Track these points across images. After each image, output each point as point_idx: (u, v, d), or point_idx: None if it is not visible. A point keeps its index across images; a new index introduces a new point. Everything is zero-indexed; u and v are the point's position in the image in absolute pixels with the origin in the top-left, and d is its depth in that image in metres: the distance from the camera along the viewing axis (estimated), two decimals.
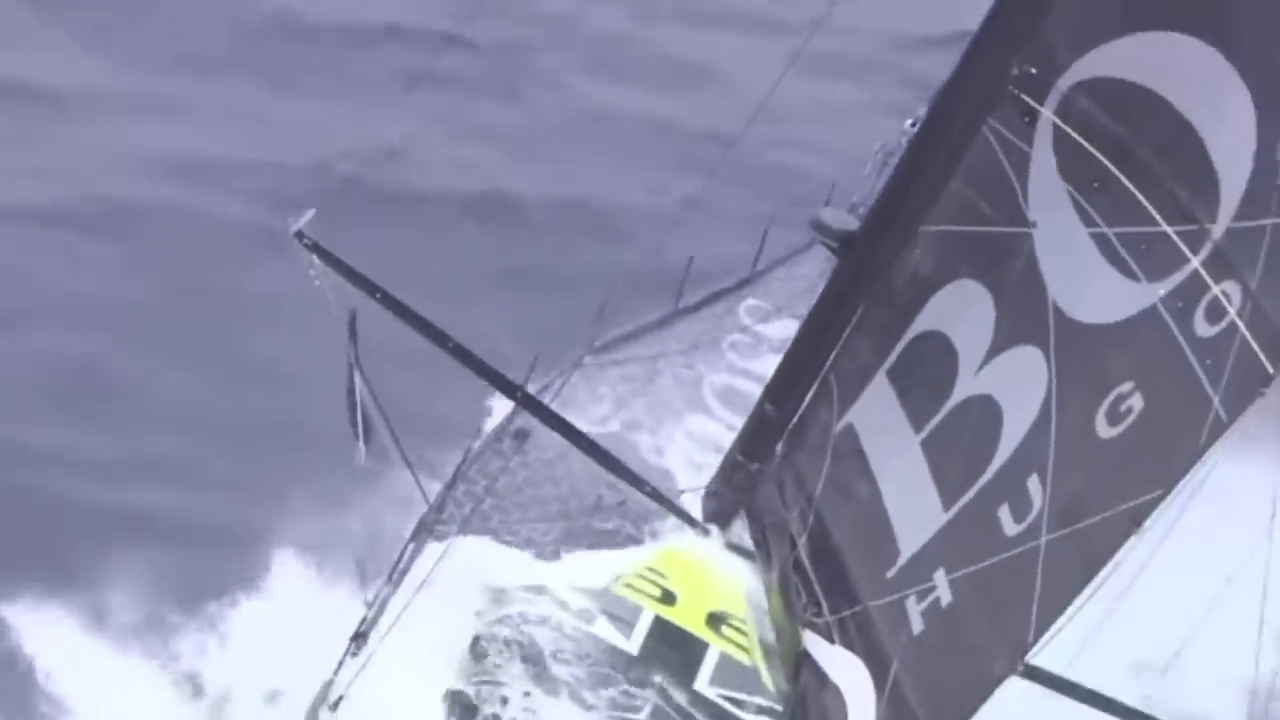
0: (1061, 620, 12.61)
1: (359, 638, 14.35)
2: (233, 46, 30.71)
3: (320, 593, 16.55)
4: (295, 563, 17.24)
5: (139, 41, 31.06)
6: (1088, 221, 12.58)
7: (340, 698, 13.78)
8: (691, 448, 16.60)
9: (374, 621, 14.51)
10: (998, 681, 12.83)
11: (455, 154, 30.00)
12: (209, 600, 17.27)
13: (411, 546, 15.37)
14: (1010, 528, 12.71)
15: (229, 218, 25.84)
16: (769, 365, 15.70)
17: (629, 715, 13.75)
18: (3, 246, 24.94)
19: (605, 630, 14.34)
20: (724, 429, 16.44)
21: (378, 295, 15.14)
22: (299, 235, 14.56)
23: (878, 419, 14.44)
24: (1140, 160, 12.19)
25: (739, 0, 39.39)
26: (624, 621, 14.53)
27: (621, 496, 15.73)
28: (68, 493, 20.40)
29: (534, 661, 13.86)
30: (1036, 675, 13.30)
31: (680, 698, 13.95)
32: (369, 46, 32.22)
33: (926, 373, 14.03)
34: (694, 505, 15.99)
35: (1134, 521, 11.92)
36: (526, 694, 13.67)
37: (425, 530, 15.46)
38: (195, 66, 30.25)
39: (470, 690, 13.74)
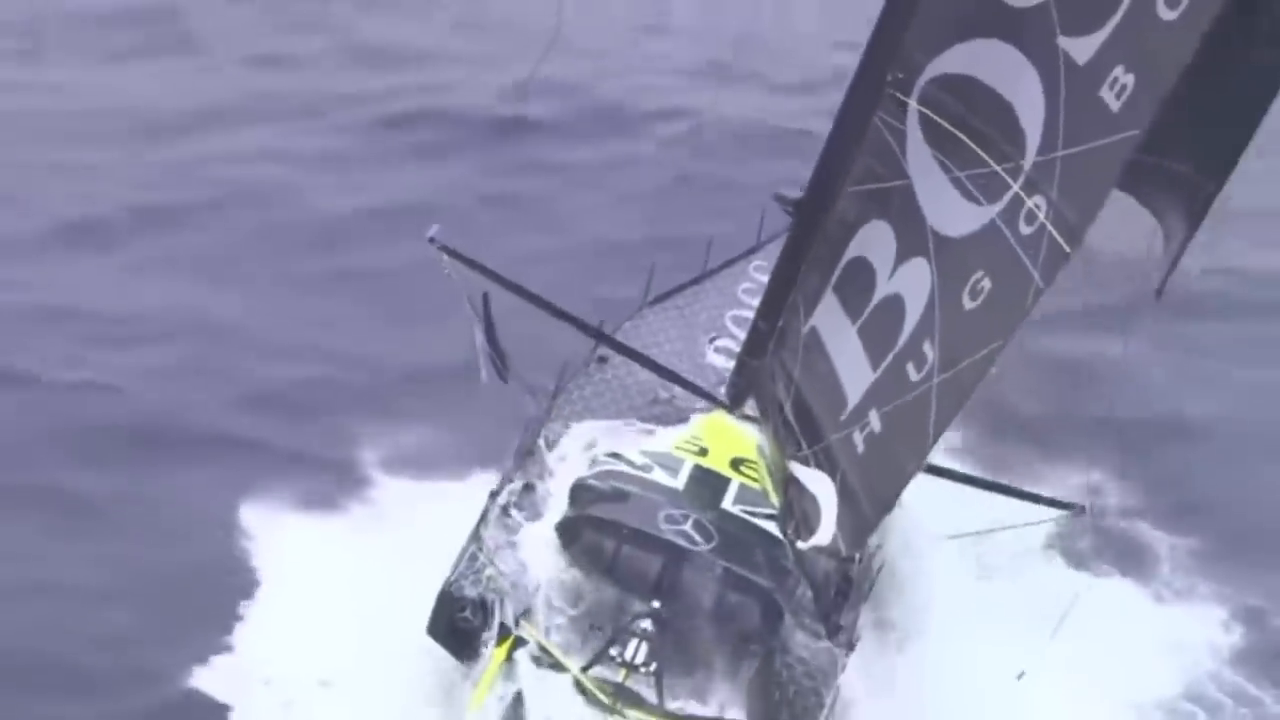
0: (946, 431, 15.04)
1: (493, 495, 16.80)
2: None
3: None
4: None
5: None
6: (946, 170, 14.93)
7: (481, 536, 16.36)
8: (717, 357, 19.03)
9: (504, 484, 16.93)
10: (910, 476, 15.24)
11: None
12: None
13: (529, 436, 17.87)
14: (914, 376, 14.96)
15: None
16: None
17: (679, 526, 15.84)
18: None
19: (659, 475, 16.57)
20: (739, 344, 18.41)
21: (493, 277, 17.46)
22: (431, 240, 17.02)
23: (829, 321, 16.21)
24: (975, 126, 14.56)
25: None
26: (671, 469, 16.75)
27: (671, 392, 18.27)
28: None
29: (614, 500, 16.09)
30: (932, 470, 16.41)
31: (712, 514, 16.27)
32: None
33: (857, 285, 16.02)
34: (720, 392, 18.29)
35: (988, 361, 14.33)
36: (610, 521, 16.01)
37: (539, 425, 17.89)
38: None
39: (574, 521, 16.13)
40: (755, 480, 17.01)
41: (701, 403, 18.24)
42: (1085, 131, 13.58)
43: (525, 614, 15.48)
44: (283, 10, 36.51)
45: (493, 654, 15.07)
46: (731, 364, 18.12)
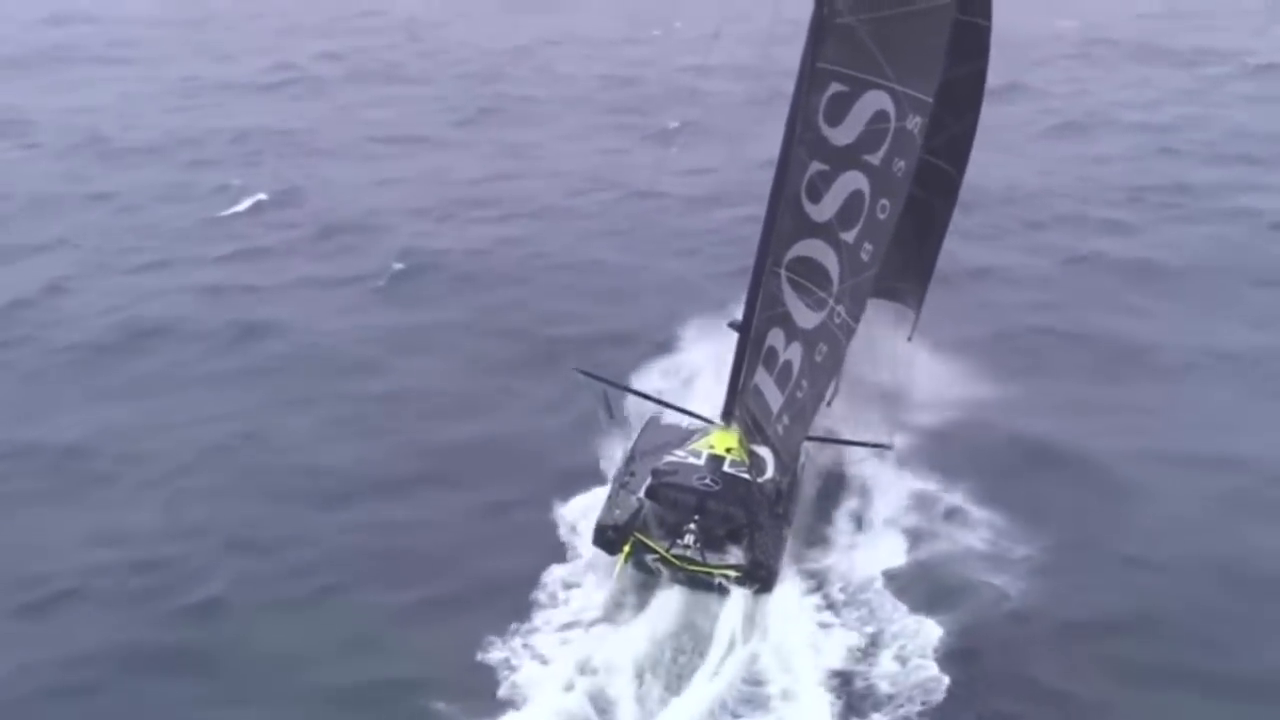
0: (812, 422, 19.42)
1: (616, 478, 21.01)
2: None
3: None
4: None
5: None
6: (802, 299, 19.84)
7: (612, 497, 20.28)
8: (713, 409, 21.85)
9: (620, 472, 21.12)
10: (802, 440, 20.10)
11: None
12: None
13: (629, 450, 21.66)
14: (799, 395, 19.73)
15: None
16: None
17: (704, 480, 20.07)
18: None
19: (692, 459, 20.62)
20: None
21: (609, 383, 22.20)
22: (574, 369, 22.15)
23: (761, 378, 20.59)
24: (810, 275, 19.42)
25: None
26: (698, 455, 20.75)
27: (700, 423, 21.98)
28: None
29: (672, 473, 20.18)
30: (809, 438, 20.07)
31: (719, 473, 20.20)
32: None
33: (770, 360, 20.40)
34: (718, 420, 21.68)
35: (829, 383, 19.46)
36: (672, 482, 20.01)
37: (634, 445, 21.87)
38: None
39: (655, 484, 20.11)
40: (737, 456, 20.70)
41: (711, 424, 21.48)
42: (855, 273, 18.57)
43: (638, 528, 19.63)
44: None
45: (624, 548, 19.43)
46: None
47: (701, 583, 19.30)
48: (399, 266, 34.03)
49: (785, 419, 20.10)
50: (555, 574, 20.40)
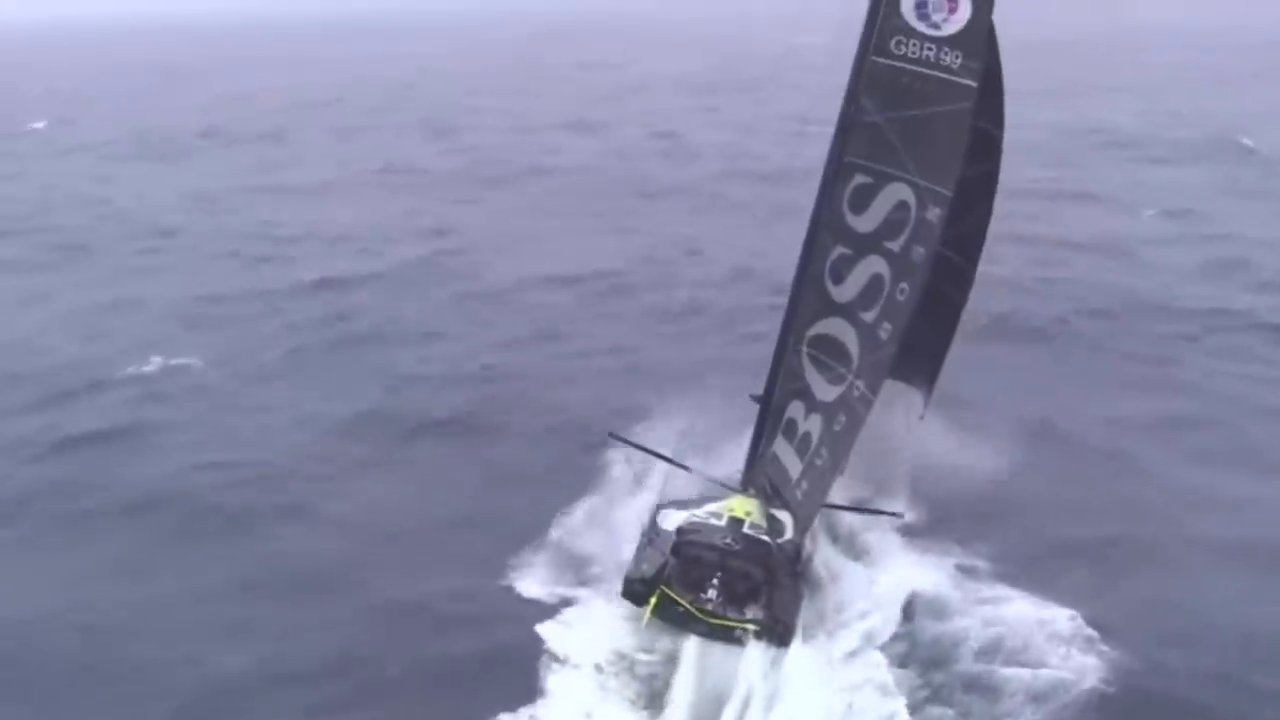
0: (830, 489, 19.87)
1: (644, 533, 21.13)
2: None
3: None
4: None
5: None
6: (821, 374, 20.61)
7: (640, 552, 20.62)
8: (734, 473, 22.10)
9: (647, 529, 21.22)
10: (819, 507, 20.34)
11: None
12: None
13: (655, 510, 21.83)
14: (818, 463, 20.14)
15: None
16: None
17: (726, 540, 20.11)
18: None
19: (714, 520, 20.79)
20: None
21: (640, 448, 23.08)
22: (609, 434, 23.21)
23: (780, 447, 21.13)
24: (830, 352, 20.20)
25: None
26: (719, 517, 20.94)
27: (719, 488, 21.94)
28: None
29: (696, 532, 20.23)
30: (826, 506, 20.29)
31: (738, 534, 20.42)
32: None
33: (789, 430, 21.00)
34: (737, 486, 21.83)
35: (847, 454, 19.68)
36: (696, 541, 20.17)
37: (658, 505, 21.98)
38: None
39: (680, 542, 20.27)
40: (757, 520, 21.01)
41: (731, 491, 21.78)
42: (874, 351, 19.34)
43: (664, 582, 19.87)
44: None
45: (651, 599, 19.79)
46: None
47: (722, 635, 19.68)
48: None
49: (804, 485, 20.70)
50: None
